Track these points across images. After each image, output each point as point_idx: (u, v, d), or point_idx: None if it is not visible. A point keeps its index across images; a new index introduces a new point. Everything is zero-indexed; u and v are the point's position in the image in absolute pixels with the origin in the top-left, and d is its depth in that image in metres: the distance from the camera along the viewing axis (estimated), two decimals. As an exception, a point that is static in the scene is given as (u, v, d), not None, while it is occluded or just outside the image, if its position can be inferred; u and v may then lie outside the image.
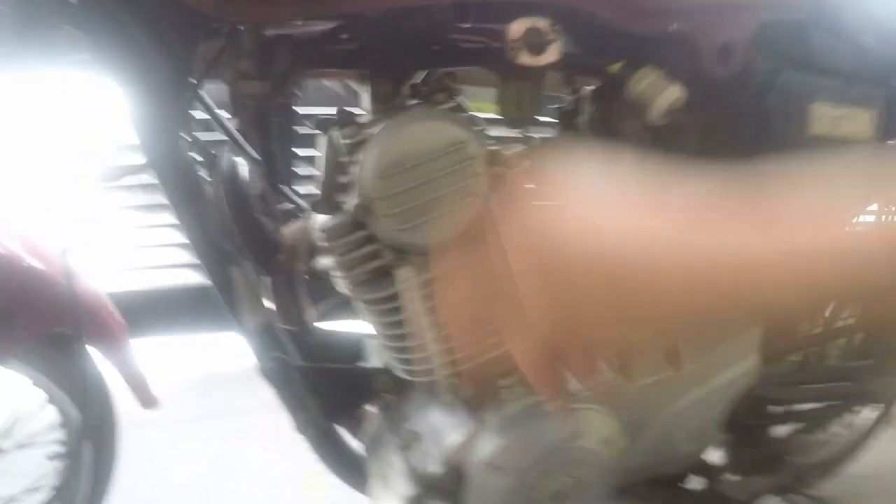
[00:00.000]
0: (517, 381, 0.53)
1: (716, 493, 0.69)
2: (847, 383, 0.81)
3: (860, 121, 0.62)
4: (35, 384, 0.74)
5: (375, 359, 0.62)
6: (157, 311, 1.19)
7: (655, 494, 0.66)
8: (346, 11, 0.45)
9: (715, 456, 0.75)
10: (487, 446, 0.51)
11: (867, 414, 1.00)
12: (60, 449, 0.78)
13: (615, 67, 0.53)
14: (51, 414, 0.78)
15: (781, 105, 0.57)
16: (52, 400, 0.76)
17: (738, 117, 0.57)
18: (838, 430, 1.08)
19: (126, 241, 1.32)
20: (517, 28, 0.47)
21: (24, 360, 0.69)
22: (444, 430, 0.54)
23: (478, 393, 0.53)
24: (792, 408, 0.79)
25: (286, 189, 0.62)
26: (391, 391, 0.60)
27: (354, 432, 0.62)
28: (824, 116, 0.58)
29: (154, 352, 1.00)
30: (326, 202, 0.52)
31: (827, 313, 0.97)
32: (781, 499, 0.80)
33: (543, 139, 0.57)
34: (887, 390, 0.81)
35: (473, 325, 0.39)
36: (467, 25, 0.52)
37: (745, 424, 0.71)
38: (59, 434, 0.78)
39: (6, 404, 0.79)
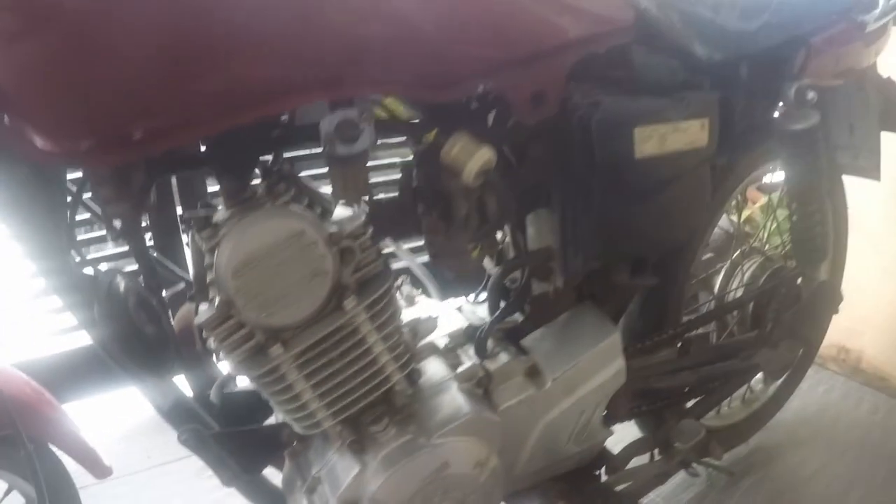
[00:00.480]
0: (388, 425, 0.64)
1: (615, 481, 0.81)
2: (732, 360, 0.92)
3: (691, 131, 0.71)
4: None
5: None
6: (72, 373, 1.25)
7: (559, 489, 0.78)
8: (175, 145, 0.54)
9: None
10: (371, 485, 0.63)
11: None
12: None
13: (430, 136, 0.63)
14: (15, 499, 0.89)
15: (605, 135, 0.65)
16: (13, 487, 0.87)
17: (565, 154, 0.66)
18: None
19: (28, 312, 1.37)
20: (329, 122, 0.56)
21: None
22: (337, 473, 0.65)
23: (358, 438, 0.64)
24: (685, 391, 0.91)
25: (175, 270, 0.73)
26: (297, 441, 0.71)
27: (280, 468, 0.73)
28: (650, 136, 0.67)
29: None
30: (200, 294, 0.63)
31: (715, 289, 1.09)
32: (686, 471, 0.93)
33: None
34: (771, 361, 0.92)
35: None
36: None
37: (637, 413, 0.82)
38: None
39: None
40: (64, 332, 1.28)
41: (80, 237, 0.72)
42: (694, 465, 0.92)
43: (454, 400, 0.66)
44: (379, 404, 0.65)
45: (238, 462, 0.70)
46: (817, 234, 0.99)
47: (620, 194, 0.67)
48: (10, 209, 0.57)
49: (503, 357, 0.72)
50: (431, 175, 0.63)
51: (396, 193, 0.67)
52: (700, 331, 0.98)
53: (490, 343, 0.73)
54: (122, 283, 0.62)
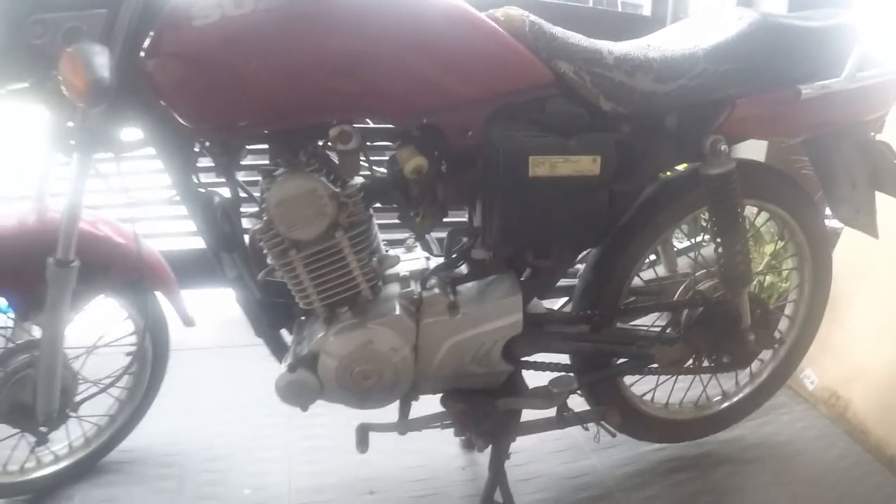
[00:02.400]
0: (350, 312, 1.30)
1: (504, 403, 1.41)
2: (630, 346, 1.48)
3: (581, 163, 1.27)
4: (120, 307, 1.62)
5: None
6: (197, 267, 2.06)
7: (460, 395, 1.40)
8: (259, 132, 1.23)
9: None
10: (326, 342, 1.29)
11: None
12: (132, 349, 1.67)
13: (396, 146, 1.27)
14: (128, 327, 1.66)
15: (507, 158, 1.24)
16: (129, 318, 1.64)
17: (485, 168, 1.27)
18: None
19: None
20: (333, 131, 1.22)
21: (115, 294, 1.57)
22: (314, 335, 1.33)
23: (330, 315, 1.31)
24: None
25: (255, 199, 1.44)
26: (304, 314, 1.40)
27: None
28: (542, 163, 1.25)
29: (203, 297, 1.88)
30: (259, 216, 1.32)
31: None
32: (581, 427, 1.50)
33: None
34: (662, 355, 1.47)
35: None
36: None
37: (524, 359, 1.42)
38: (132, 339, 1.67)
39: (101, 321, 1.68)
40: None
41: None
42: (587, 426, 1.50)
43: (391, 307, 1.31)
44: (349, 300, 1.31)
45: (267, 321, 1.40)
46: (738, 263, 1.49)
47: (518, 201, 1.27)
48: (164, 154, 1.28)
49: (437, 292, 1.35)
50: (398, 169, 1.27)
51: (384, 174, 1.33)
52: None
53: (434, 282, 1.36)
54: (215, 199, 1.32)
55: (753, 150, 2.17)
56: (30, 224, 1.44)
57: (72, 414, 1.59)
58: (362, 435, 1.42)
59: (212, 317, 2.31)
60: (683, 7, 2.53)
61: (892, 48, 1.50)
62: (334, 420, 1.87)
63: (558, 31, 1.31)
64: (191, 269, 1.86)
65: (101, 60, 1.08)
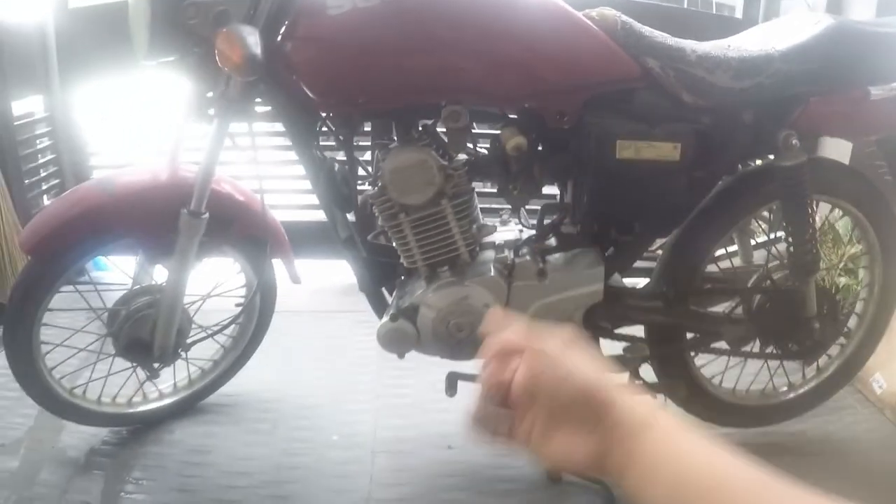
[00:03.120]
0: (449, 271, 1.59)
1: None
2: (701, 323, 1.73)
3: (663, 149, 1.53)
4: (234, 261, 1.95)
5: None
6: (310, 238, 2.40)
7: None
8: (378, 108, 1.53)
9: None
10: (426, 296, 1.59)
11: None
12: (242, 300, 1.99)
13: (500, 126, 1.56)
14: (240, 279, 1.99)
15: (598, 140, 1.52)
16: (242, 270, 1.97)
17: (578, 150, 1.54)
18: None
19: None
20: (445, 111, 1.51)
21: (233, 247, 1.90)
22: (415, 290, 1.62)
23: (430, 274, 1.60)
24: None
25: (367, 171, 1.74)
26: (406, 274, 1.69)
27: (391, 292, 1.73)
28: (628, 147, 1.52)
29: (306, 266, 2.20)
30: (373, 183, 1.62)
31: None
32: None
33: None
34: (729, 332, 1.71)
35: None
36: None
37: (601, 326, 1.68)
38: (243, 291, 2.00)
39: (217, 272, 2.00)
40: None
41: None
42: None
43: (487, 268, 1.60)
44: (449, 262, 1.60)
45: (371, 277, 1.70)
46: (806, 252, 1.71)
47: (606, 180, 1.54)
48: (290, 125, 1.59)
49: (528, 259, 1.63)
50: (500, 146, 1.55)
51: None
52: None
53: (525, 251, 1.64)
54: (336, 166, 1.63)
55: (838, 153, 2.36)
56: (165, 179, 1.77)
57: (182, 354, 1.92)
58: (451, 381, 1.70)
59: (312, 285, 2.67)
60: (774, 9, 2.75)
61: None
62: (419, 381, 2.18)
63: (647, 30, 1.57)
64: (300, 240, 2.18)
65: (254, 39, 1.40)
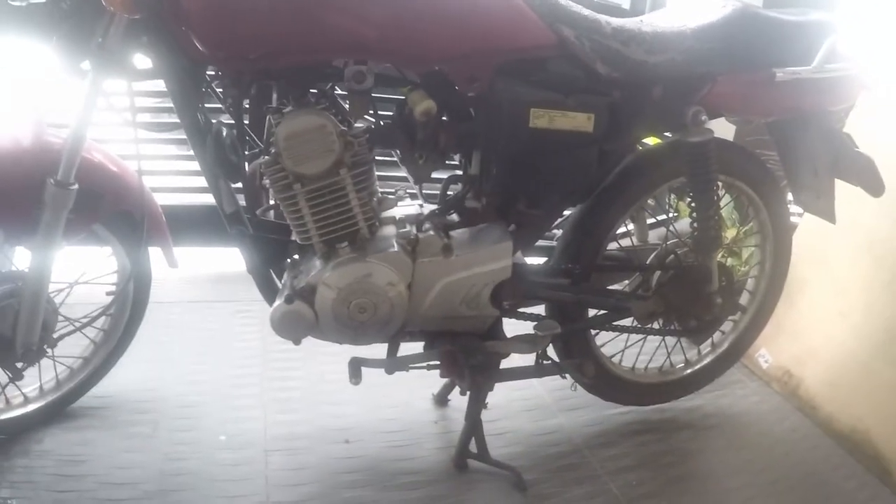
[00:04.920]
0: (348, 247, 1.42)
1: (492, 345, 1.55)
2: (609, 299, 1.64)
3: (577, 120, 1.43)
4: (105, 244, 1.70)
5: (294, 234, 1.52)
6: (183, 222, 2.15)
7: (449, 335, 1.53)
8: (270, 66, 1.34)
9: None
10: (324, 275, 1.41)
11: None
12: (114, 288, 1.74)
13: (405, 90, 1.41)
14: (111, 264, 1.74)
15: (510, 107, 1.40)
16: (114, 254, 1.72)
17: (487, 117, 1.41)
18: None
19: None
20: (349, 71, 1.34)
21: (104, 226, 1.65)
22: (311, 269, 1.44)
23: (327, 251, 1.42)
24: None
25: (254, 139, 1.54)
26: (298, 252, 1.51)
27: (279, 275, 1.54)
28: (542, 115, 1.41)
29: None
30: (265, 151, 1.42)
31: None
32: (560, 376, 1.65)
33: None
34: (638, 308, 1.63)
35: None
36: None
37: (510, 305, 1.56)
38: (115, 278, 1.75)
39: (83, 257, 1.74)
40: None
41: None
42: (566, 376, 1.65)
43: (389, 243, 1.44)
44: (347, 237, 1.43)
45: (260, 257, 1.50)
46: (710, 227, 1.67)
47: (517, 149, 1.42)
48: (174, 83, 1.38)
49: (432, 234, 1.48)
50: (406, 112, 1.40)
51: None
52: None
53: (428, 225, 1.49)
54: (224, 131, 1.43)
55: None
56: (27, 146, 1.50)
57: (49, 351, 1.65)
58: (355, 368, 1.53)
59: (185, 273, 2.40)
60: (661, 5, 2.74)
61: (858, 46, 1.72)
62: (309, 373, 2.00)
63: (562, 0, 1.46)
64: (172, 225, 1.95)
65: None
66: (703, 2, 1.64)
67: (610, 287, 1.79)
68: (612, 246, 1.77)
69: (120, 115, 1.52)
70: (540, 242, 1.70)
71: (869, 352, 1.99)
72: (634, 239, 1.84)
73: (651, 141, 1.79)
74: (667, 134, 1.72)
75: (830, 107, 1.74)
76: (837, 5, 2.26)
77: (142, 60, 1.42)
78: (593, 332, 1.81)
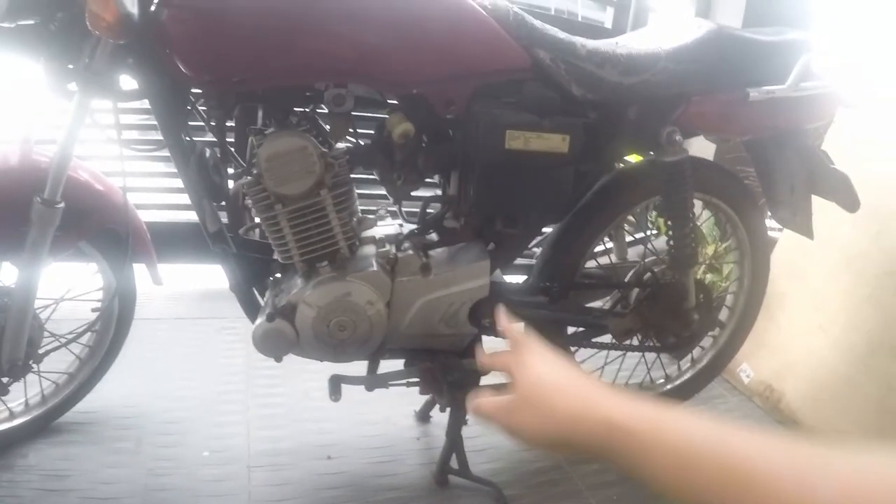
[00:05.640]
0: (329, 267, 1.45)
1: (469, 363, 1.58)
2: (587, 316, 1.67)
3: (552, 141, 1.46)
4: (91, 261, 1.72)
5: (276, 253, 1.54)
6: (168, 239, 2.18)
7: (427, 354, 1.56)
8: (253, 89, 1.37)
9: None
10: (305, 293, 1.44)
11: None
12: (99, 304, 1.76)
13: (385, 112, 1.44)
14: (97, 281, 1.76)
15: (486, 129, 1.42)
16: (99, 271, 1.74)
17: (464, 139, 1.45)
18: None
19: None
20: (330, 93, 1.38)
21: (90, 243, 1.67)
22: (292, 287, 1.47)
23: (308, 270, 1.45)
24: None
25: (237, 160, 1.57)
26: (280, 271, 1.53)
27: (262, 293, 1.56)
28: (518, 137, 1.44)
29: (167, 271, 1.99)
30: (247, 172, 1.45)
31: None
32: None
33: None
34: (616, 326, 1.66)
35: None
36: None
37: (489, 323, 1.59)
38: (100, 295, 1.77)
39: (69, 273, 1.77)
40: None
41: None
42: None
43: (369, 263, 1.47)
44: (328, 257, 1.46)
45: (242, 275, 1.53)
46: (686, 245, 1.70)
47: (494, 170, 1.45)
48: (158, 104, 1.41)
49: (411, 253, 1.51)
50: (385, 134, 1.43)
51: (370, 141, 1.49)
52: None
53: (407, 245, 1.52)
54: (207, 151, 1.46)
55: (702, 155, 2.41)
56: (14, 165, 1.53)
57: (34, 366, 1.67)
58: (335, 385, 1.55)
59: (169, 290, 2.43)
60: (643, 22, 2.78)
61: (832, 65, 1.75)
62: (292, 390, 2.02)
63: (538, 23, 1.50)
64: (157, 242, 1.97)
65: None
66: (680, 23, 1.68)
67: (588, 305, 1.81)
68: (591, 263, 1.80)
69: (105, 134, 1.55)
70: (518, 261, 1.73)
71: (849, 365, 2.02)
72: (613, 256, 1.87)
73: (633, 159, 1.82)
74: (644, 153, 1.75)
75: (806, 124, 1.77)
76: (813, 25, 2.30)
77: (128, 81, 1.45)
78: (572, 349, 1.83)
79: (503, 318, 0.86)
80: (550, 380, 0.69)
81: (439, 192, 1.62)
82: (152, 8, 1.29)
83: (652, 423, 0.57)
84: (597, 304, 1.85)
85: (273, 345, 1.47)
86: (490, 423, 0.73)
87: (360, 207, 1.61)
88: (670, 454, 0.54)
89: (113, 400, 1.90)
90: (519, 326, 0.81)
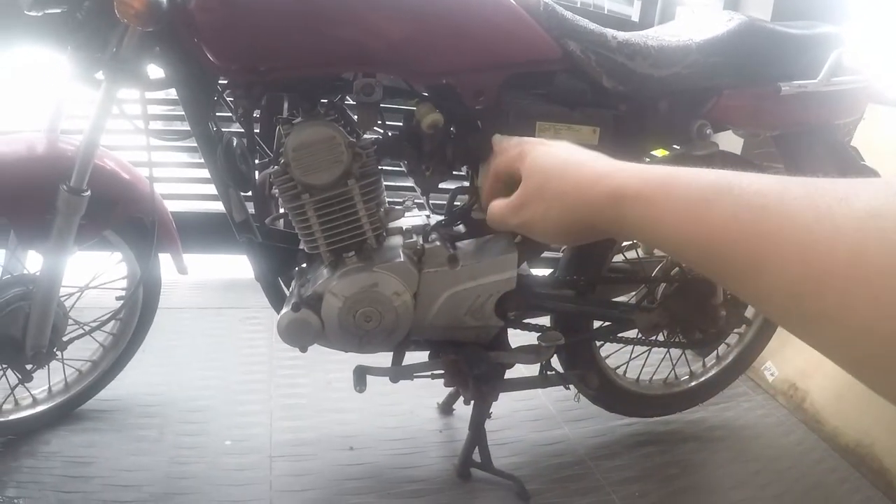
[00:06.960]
0: (355, 257, 1.44)
1: (495, 355, 1.57)
2: (613, 311, 1.66)
3: (583, 133, 1.45)
4: (116, 250, 1.73)
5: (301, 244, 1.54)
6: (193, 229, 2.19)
7: (454, 345, 1.55)
8: (281, 78, 1.37)
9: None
10: (331, 283, 1.44)
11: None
12: (123, 293, 1.77)
13: (414, 102, 1.43)
14: (121, 270, 1.77)
15: (516, 122, 1.42)
16: (124, 260, 1.75)
17: (494, 131, 1.43)
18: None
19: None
20: (359, 83, 1.37)
21: (115, 232, 1.68)
22: (319, 277, 1.47)
23: (334, 260, 1.45)
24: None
25: (264, 149, 1.57)
26: (306, 261, 1.53)
27: (287, 283, 1.56)
28: (548, 129, 1.43)
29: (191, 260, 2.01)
30: (275, 160, 1.45)
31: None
32: (563, 386, 1.67)
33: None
34: (642, 320, 1.65)
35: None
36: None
37: (515, 315, 1.58)
38: (124, 283, 1.78)
39: (94, 262, 1.78)
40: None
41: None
42: (570, 387, 1.67)
43: (396, 253, 1.46)
44: (354, 247, 1.45)
45: (268, 265, 1.53)
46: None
47: (522, 161, 1.44)
48: (186, 93, 1.41)
49: (438, 245, 1.50)
50: (413, 124, 1.42)
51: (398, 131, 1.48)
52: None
53: (434, 236, 1.52)
54: (234, 141, 1.46)
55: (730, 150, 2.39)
56: (41, 153, 1.54)
57: (58, 354, 1.68)
58: (360, 376, 1.55)
59: (194, 279, 2.44)
60: (670, 16, 2.76)
61: (865, 59, 1.73)
62: (315, 381, 2.02)
63: (568, 14, 1.48)
64: (182, 232, 1.98)
65: None
66: (710, 15, 1.66)
67: (615, 299, 1.80)
68: (618, 258, 1.79)
69: (132, 123, 1.55)
70: (546, 254, 1.72)
71: (875, 365, 1.99)
72: (640, 251, 1.86)
73: (659, 153, 1.80)
74: (675, 146, 1.74)
75: (836, 120, 1.75)
76: (845, 18, 2.27)
77: (155, 71, 1.45)
78: (598, 343, 1.82)
79: (497, 137, 0.89)
80: (555, 167, 0.69)
81: (467, 183, 1.61)
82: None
83: (660, 180, 0.55)
84: (623, 298, 1.84)
85: (298, 335, 1.47)
86: (503, 225, 0.74)
87: (387, 199, 1.61)
88: (681, 207, 0.52)
89: (136, 388, 1.91)
90: (517, 139, 0.81)
